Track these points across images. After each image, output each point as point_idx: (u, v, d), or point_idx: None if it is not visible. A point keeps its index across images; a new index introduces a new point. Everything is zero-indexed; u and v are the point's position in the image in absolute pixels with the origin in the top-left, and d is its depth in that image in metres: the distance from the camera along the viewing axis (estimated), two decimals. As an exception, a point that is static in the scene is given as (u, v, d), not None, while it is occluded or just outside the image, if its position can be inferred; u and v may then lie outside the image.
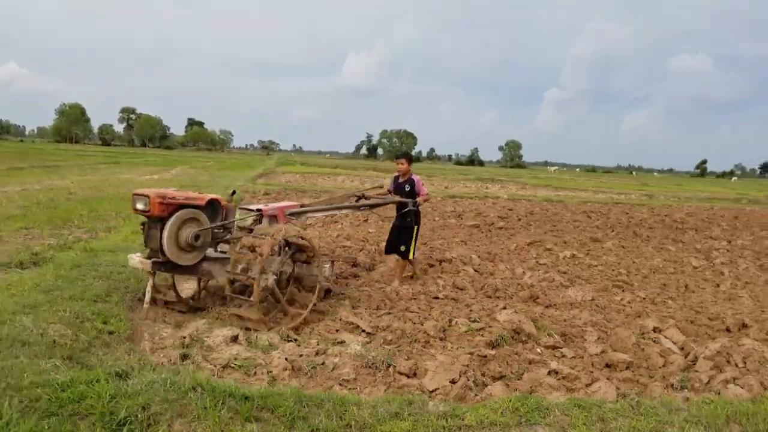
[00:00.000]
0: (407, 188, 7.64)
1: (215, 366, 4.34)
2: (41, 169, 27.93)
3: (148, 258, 5.27)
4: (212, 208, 5.57)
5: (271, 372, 4.33)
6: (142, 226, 5.43)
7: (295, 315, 5.61)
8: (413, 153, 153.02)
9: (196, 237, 5.26)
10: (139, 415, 3.03)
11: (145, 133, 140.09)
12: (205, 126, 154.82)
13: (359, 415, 3.35)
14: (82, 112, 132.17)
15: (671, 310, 6.93)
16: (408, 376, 4.53)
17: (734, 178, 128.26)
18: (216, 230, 5.60)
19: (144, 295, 5.39)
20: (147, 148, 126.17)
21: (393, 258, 8.06)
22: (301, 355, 4.67)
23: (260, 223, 5.85)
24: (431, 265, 8.59)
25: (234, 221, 5.77)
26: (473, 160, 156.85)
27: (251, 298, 5.08)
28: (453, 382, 4.39)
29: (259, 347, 4.82)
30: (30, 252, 7.73)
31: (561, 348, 5.27)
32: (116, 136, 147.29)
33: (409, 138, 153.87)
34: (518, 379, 4.55)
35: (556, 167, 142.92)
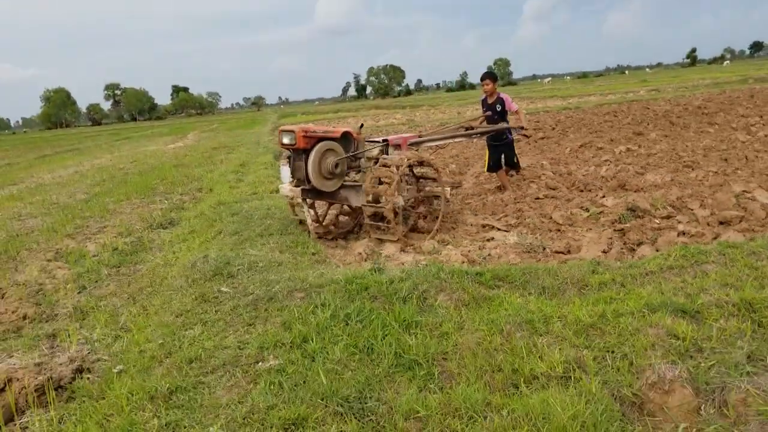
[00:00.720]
0: (498, 108, 8.03)
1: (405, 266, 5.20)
2: (68, 153, 28.59)
3: (297, 186, 5.92)
4: (345, 139, 6.10)
5: (453, 265, 5.19)
6: (287, 160, 6.12)
7: (431, 223, 6.49)
8: (402, 87, 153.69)
9: (336, 165, 5.84)
10: (415, 293, 3.90)
11: (133, 107, 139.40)
12: (190, 91, 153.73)
13: (569, 274, 4.22)
14: (68, 95, 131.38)
15: (744, 177, 7.75)
16: (564, 253, 5.41)
17: (726, 62, 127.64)
18: (350, 159, 6.15)
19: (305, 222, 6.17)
20: (137, 121, 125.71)
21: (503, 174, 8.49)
22: (469, 251, 5.54)
23: (386, 152, 6.53)
24: (511, 174, 9.39)
25: (365, 150, 6.32)
26: (463, 85, 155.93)
27: (387, 223, 5.73)
28: (605, 252, 5.27)
29: (426, 252, 5.68)
30: (159, 216, 8.57)
31: (675, 216, 6.12)
32: (104, 114, 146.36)
33: (396, 72, 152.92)
34: (654, 242, 5.41)
35: (549, 78, 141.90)
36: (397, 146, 6.65)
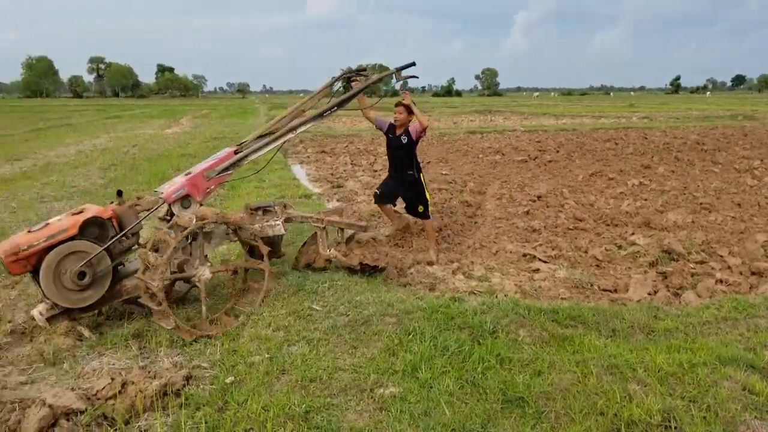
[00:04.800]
0: (404, 140, 6.58)
1: (464, 293, 5.43)
2: (61, 128, 28.29)
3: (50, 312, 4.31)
4: (95, 227, 4.44)
5: (507, 294, 5.44)
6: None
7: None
8: (388, 88, 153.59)
9: (81, 275, 4.23)
10: (499, 327, 4.15)
11: (116, 83, 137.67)
12: (175, 71, 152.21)
13: (633, 317, 4.50)
14: (50, 64, 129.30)
15: (761, 226, 8.12)
16: (611, 292, 5.69)
17: (708, 93, 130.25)
18: (118, 244, 4.51)
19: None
20: (120, 98, 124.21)
21: (389, 210, 7.14)
22: (520, 282, 5.80)
23: (181, 207, 4.74)
24: (533, 201, 9.69)
25: (134, 226, 4.62)
26: (450, 91, 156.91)
27: (158, 307, 4.10)
28: (650, 294, 5.56)
29: (476, 278, 5.93)
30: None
31: (708, 262, 6.45)
32: (86, 88, 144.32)
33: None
34: (695, 288, 5.72)
35: (538, 93, 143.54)
36: (185, 197, 4.78)
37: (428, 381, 3.39)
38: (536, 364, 3.70)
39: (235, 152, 5.06)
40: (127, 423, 3.20)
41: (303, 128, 5.35)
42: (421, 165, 6.89)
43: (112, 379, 3.47)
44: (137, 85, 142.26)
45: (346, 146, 19.06)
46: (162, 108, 56.94)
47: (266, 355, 3.77)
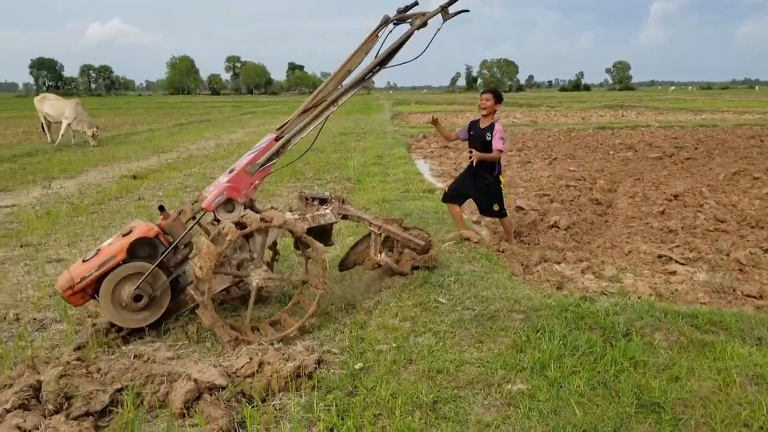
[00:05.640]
0: (487, 137, 6.26)
1: (594, 292, 5.25)
2: (201, 123, 30.10)
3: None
4: (145, 246, 4.33)
5: (640, 296, 5.21)
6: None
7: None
8: (513, 82, 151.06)
9: (137, 297, 4.18)
10: (633, 329, 3.99)
11: (250, 81, 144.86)
12: (305, 69, 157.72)
13: (783, 328, 4.17)
14: (192, 63, 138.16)
15: None
16: (756, 298, 5.31)
17: None
18: (172, 257, 4.39)
19: None
20: (254, 94, 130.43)
21: (457, 212, 6.69)
22: (656, 284, 5.53)
23: (227, 208, 4.38)
24: (669, 200, 9.21)
25: (179, 240, 4.41)
26: (578, 85, 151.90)
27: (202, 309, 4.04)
28: (803, 301, 5.14)
29: (606, 278, 5.72)
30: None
31: None
32: (223, 85, 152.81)
33: (510, 67, 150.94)
34: None
35: (674, 87, 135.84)
36: (228, 201, 4.35)
37: (557, 380, 3.32)
38: (673, 369, 3.53)
39: (276, 138, 4.58)
40: (263, 401, 3.36)
41: (346, 98, 4.65)
42: (502, 168, 6.53)
43: (250, 358, 3.66)
44: (269, 83, 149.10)
45: (471, 142, 18.95)
46: (292, 104, 59.06)
47: (393, 344, 3.84)
